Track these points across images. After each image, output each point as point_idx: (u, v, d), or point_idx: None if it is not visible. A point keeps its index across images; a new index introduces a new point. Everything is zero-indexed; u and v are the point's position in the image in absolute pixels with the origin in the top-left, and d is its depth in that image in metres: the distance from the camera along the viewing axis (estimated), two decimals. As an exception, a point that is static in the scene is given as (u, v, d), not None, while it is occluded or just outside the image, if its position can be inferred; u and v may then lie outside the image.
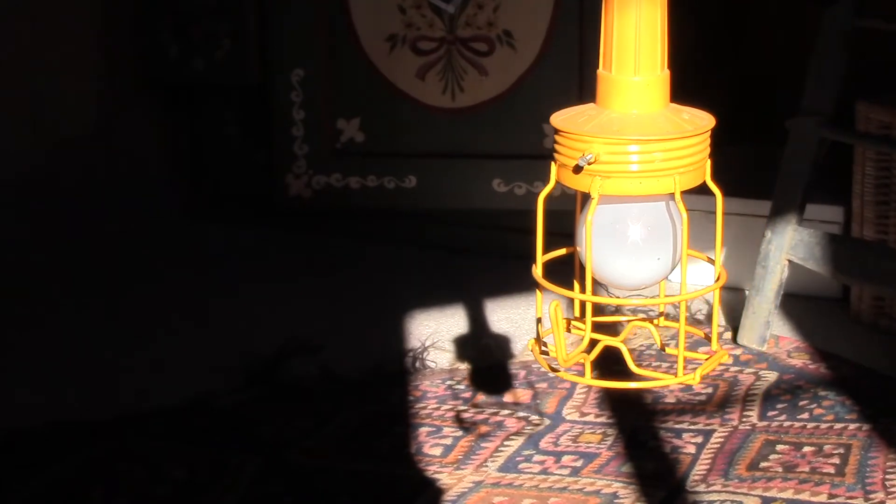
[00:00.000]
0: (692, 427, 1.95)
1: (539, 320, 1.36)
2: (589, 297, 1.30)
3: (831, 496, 1.74)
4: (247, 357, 2.20)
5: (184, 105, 3.03)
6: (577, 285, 1.36)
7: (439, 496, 1.76)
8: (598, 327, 1.38)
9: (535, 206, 1.32)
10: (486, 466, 1.84)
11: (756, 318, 2.23)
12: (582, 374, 1.27)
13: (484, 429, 1.95)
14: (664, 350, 1.35)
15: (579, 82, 2.68)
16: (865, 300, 2.35)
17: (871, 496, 1.74)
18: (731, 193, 2.54)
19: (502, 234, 2.77)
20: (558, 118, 1.31)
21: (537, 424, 1.96)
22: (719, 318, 2.39)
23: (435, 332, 2.33)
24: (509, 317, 2.40)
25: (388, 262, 2.74)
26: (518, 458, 1.86)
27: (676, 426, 1.95)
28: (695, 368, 1.26)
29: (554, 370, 1.30)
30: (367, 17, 2.76)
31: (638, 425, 1.95)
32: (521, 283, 2.51)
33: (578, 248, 1.32)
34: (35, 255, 2.78)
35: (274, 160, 2.87)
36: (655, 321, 1.37)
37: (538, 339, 1.34)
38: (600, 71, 1.31)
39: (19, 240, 2.81)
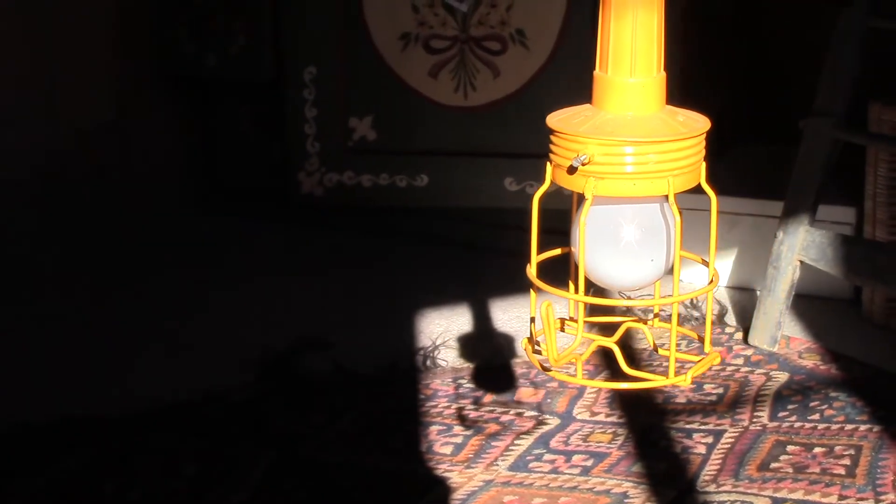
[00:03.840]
0: (703, 427, 1.95)
1: (532, 319, 1.36)
2: (581, 298, 1.30)
3: (842, 497, 1.74)
4: (259, 352, 2.21)
5: (198, 100, 3.03)
6: (571, 286, 1.36)
7: (449, 494, 1.76)
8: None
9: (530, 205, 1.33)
10: (497, 465, 1.84)
11: (767, 319, 2.22)
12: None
13: (494, 428, 1.95)
14: (657, 351, 1.35)
15: (592, 82, 2.68)
16: (877, 301, 2.35)
17: (882, 497, 1.74)
18: (744, 194, 2.54)
19: (514, 233, 2.77)
20: (554, 118, 1.31)
21: (548, 423, 1.96)
22: (731, 319, 2.39)
23: (446, 330, 2.33)
24: (520, 315, 2.40)
25: (399, 259, 2.74)
26: (528, 458, 1.86)
27: (687, 426, 1.95)
28: (687, 370, 1.26)
29: (546, 369, 1.31)
30: (380, 15, 2.76)
31: (649, 425, 1.95)
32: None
33: (573, 249, 1.32)
34: (49, 247, 2.79)
35: (286, 157, 2.88)
36: (649, 322, 1.38)
37: (531, 339, 1.34)
38: (597, 72, 1.31)
39: (33, 233, 2.82)
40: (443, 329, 2.34)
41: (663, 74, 1.31)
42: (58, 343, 2.31)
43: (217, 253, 2.81)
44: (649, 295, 1.35)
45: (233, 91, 2.95)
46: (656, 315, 1.39)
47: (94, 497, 1.76)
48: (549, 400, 2.03)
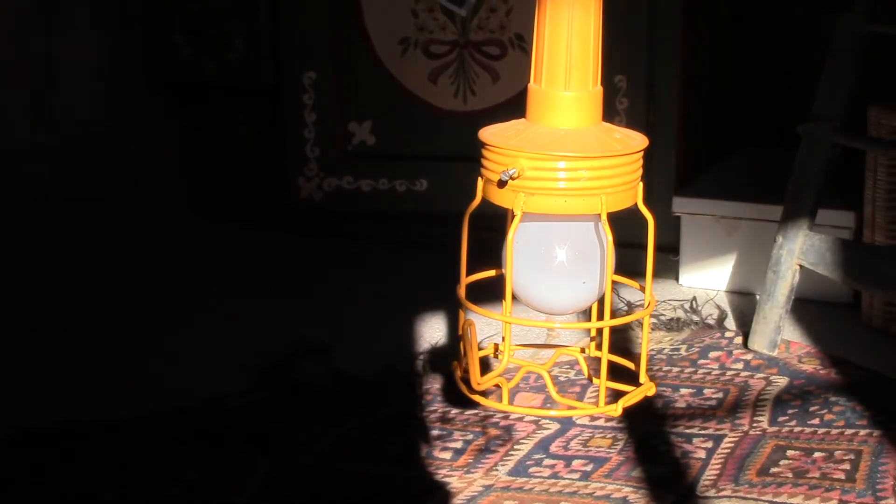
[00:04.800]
0: (703, 432, 1.94)
1: (462, 337, 1.31)
2: (508, 319, 1.26)
3: (842, 502, 1.74)
4: (258, 358, 2.21)
5: (196, 105, 3.03)
6: (505, 306, 1.32)
7: (449, 500, 1.76)
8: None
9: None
10: (496, 470, 1.84)
11: (767, 323, 2.22)
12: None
13: (493, 432, 1.95)
14: (591, 380, 1.30)
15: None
16: (876, 305, 2.35)
17: (882, 502, 1.74)
18: (743, 198, 2.54)
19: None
20: (486, 132, 1.26)
21: (547, 428, 1.96)
22: (731, 323, 2.39)
23: (445, 334, 2.33)
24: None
25: (398, 264, 2.74)
26: (528, 462, 1.86)
27: (687, 431, 1.94)
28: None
29: (472, 392, 1.27)
30: (379, 20, 2.76)
31: (648, 430, 1.95)
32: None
33: (503, 270, 1.28)
34: (47, 251, 2.79)
35: (285, 162, 2.88)
36: (585, 349, 1.33)
37: (461, 360, 1.29)
38: (531, 84, 1.25)
39: (30, 239, 2.82)
40: (442, 334, 2.34)
41: (600, 89, 1.25)
42: (55, 348, 2.31)
43: (215, 258, 2.81)
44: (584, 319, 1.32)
45: (231, 96, 2.95)
46: (593, 339, 1.34)
47: (95, 503, 1.76)
48: (548, 404, 2.03)
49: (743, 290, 2.55)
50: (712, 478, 1.81)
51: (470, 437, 1.93)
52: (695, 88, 2.68)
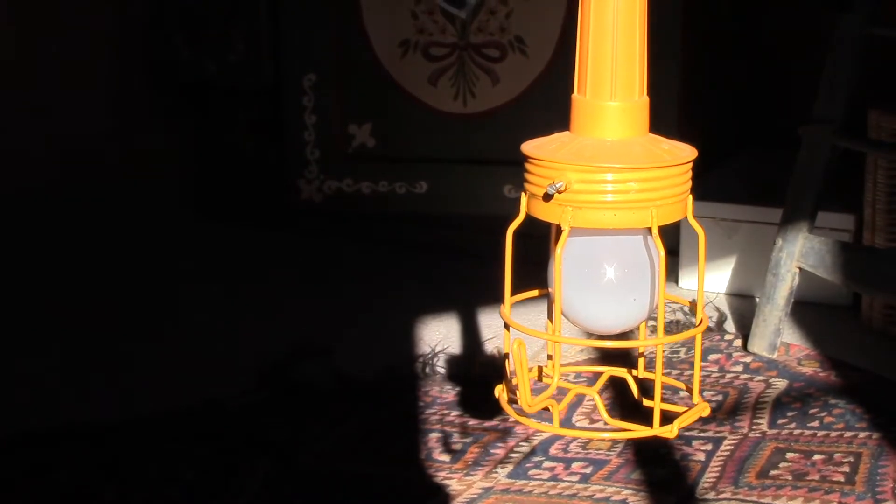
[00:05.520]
0: (702, 434, 1.95)
1: (507, 357, 1.29)
2: (558, 339, 1.22)
3: (841, 505, 1.74)
4: (258, 358, 2.21)
5: (197, 108, 3.04)
6: (549, 325, 1.28)
7: (449, 502, 1.76)
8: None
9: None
10: (496, 472, 1.84)
11: (766, 326, 2.22)
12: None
13: (493, 435, 1.95)
14: (641, 402, 1.26)
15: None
16: (876, 308, 2.35)
17: (881, 505, 1.74)
18: (743, 200, 2.54)
19: (513, 240, 2.77)
20: (529, 145, 1.23)
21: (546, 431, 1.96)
22: (730, 326, 2.39)
23: (445, 337, 2.33)
24: (519, 322, 2.40)
25: (398, 266, 2.74)
26: (528, 465, 1.86)
27: (686, 433, 1.95)
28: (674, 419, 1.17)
29: (520, 415, 1.23)
30: (379, 22, 2.77)
31: (648, 432, 1.95)
32: (530, 290, 2.51)
33: (549, 289, 1.25)
34: (48, 253, 2.79)
35: (285, 164, 2.88)
36: (634, 371, 1.30)
37: (507, 382, 1.26)
38: (575, 95, 1.23)
39: (30, 239, 2.82)
40: (442, 336, 2.34)
41: (646, 98, 1.23)
42: (55, 348, 2.31)
43: (216, 259, 2.81)
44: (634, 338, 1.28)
45: (231, 96, 2.95)
46: (641, 354, 1.31)
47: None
48: (547, 408, 2.03)
49: (742, 293, 2.55)
50: (712, 480, 1.81)
51: (470, 439, 1.93)
52: (695, 89, 2.69)
